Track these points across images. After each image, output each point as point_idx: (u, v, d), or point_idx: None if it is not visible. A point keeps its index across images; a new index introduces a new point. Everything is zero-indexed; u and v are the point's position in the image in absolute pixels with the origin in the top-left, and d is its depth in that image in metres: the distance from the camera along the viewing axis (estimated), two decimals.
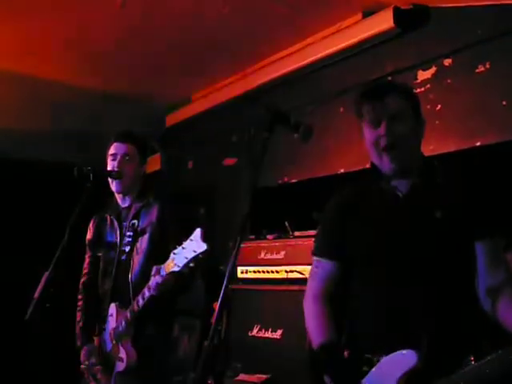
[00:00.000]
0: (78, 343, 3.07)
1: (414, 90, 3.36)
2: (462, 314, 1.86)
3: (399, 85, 2.09)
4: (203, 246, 2.41)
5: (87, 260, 3.26)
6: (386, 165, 1.94)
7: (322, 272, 2.12)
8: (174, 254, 2.55)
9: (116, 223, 3.10)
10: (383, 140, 1.90)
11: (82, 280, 3.25)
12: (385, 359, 1.80)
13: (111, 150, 3.05)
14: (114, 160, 3.02)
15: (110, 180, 3.04)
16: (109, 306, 3.00)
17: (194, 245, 2.45)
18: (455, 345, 1.80)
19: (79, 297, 3.22)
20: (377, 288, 1.95)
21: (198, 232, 2.45)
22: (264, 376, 3.45)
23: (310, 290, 2.16)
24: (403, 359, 1.75)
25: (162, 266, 2.64)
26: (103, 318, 3.03)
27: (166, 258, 2.78)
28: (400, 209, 1.95)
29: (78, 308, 3.19)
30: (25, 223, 5.32)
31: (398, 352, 1.76)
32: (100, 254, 3.15)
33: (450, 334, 1.81)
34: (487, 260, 1.87)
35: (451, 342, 1.79)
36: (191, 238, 2.47)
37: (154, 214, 3.01)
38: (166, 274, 2.63)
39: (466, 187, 1.95)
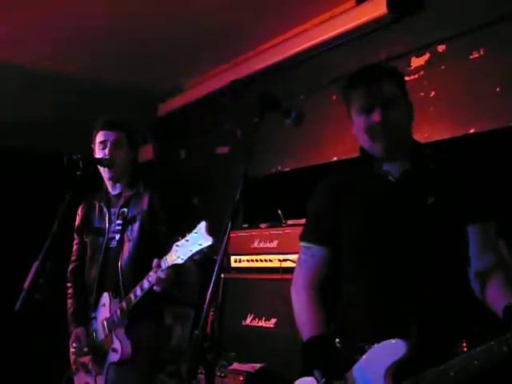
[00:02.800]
0: (70, 329, 3.06)
1: (408, 77, 3.38)
2: (455, 300, 1.85)
3: (390, 69, 2.06)
4: (209, 240, 2.38)
5: (75, 247, 3.24)
6: (378, 150, 1.92)
7: (313, 259, 2.08)
8: (177, 246, 2.52)
9: (105, 209, 3.08)
10: (378, 127, 1.87)
11: (71, 267, 3.24)
12: (374, 348, 1.80)
13: (100, 138, 3.02)
14: (104, 148, 3.00)
15: (100, 167, 3.03)
16: (96, 294, 2.98)
17: (198, 238, 2.42)
18: (446, 332, 1.79)
19: (68, 284, 3.21)
20: (369, 273, 1.93)
21: (202, 225, 2.42)
22: (258, 365, 3.45)
23: (300, 279, 2.13)
24: (393, 348, 1.74)
25: (164, 258, 2.61)
26: (92, 307, 3.02)
27: (156, 246, 2.76)
28: (392, 194, 1.93)
29: (69, 295, 3.18)
30: (14, 213, 5.29)
31: (388, 341, 1.76)
32: (87, 240, 3.13)
33: (442, 321, 1.79)
34: (478, 244, 1.86)
35: (442, 330, 1.79)
36: (195, 230, 2.44)
37: (144, 202, 3.00)
38: (167, 267, 2.60)
39: (458, 172, 1.93)
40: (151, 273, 2.67)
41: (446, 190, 1.88)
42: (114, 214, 3.05)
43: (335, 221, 2.02)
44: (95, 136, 3.05)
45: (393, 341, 1.74)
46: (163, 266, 2.61)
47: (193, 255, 2.46)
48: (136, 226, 2.97)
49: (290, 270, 3.44)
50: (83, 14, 3.64)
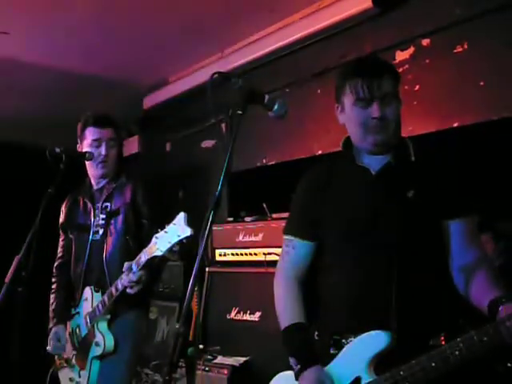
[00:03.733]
0: (50, 325, 3.05)
1: None
2: (434, 293, 1.85)
3: (390, 64, 2.03)
4: (187, 231, 2.37)
5: (61, 243, 3.23)
6: (369, 145, 1.91)
7: (294, 251, 2.08)
8: (157, 238, 2.51)
9: (89, 205, 3.06)
10: (375, 122, 1.85)
11: (57, 263, 3.23)
12: (354, 341, 1.80)
13: (93, 135, 2.99)
14: (98, 146, 2.97)
15: (88, 163, 3.01)
16: (82, 290, 2.97)
17: (177, 229, 2.41)
18: (425, 325, 1.79)
19: (53, 280, 3.19)
20: (348, 266, 1.93)
21: (181, 216, 2.41)
22: (242, 358, 3.46)
23: (281, 270, 2.14)
24: (374, 340, 1.75)
25: (143, 251, 2.60)
26: (77, 302, 3.01)
27: (141, 237, 2.74)
28: (373, 187, 1.92)
29: (52, 290, 3.17)
30: None
31: (368, 333, 1.76)
32: (72, 237, 3.11)
33: (420, 314, 1.79)
34: (461, 239, 1.86)
35: (421, 323, 1.79)
36: (174, 222, 2.43)
37: (127, 194, 2.98)
38: (147, 259, 2.60)
39: (439, 165, 1.93)
40: (123, 276, 2.67)
41: (427, 184, 1.87)
42: (98, 209, 3.04)
43: (317, 214, 2.02)
44: (84, 131, 3.02)
45: (373, 332, 1.74)
46: (134, 268, 2.61)
47: (172, 246, 2.45)
48: (120, 218, 2.95)
49: (274, 264, 3.38)
50: (68, 6, 3.60)
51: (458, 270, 1.85)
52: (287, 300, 2.06)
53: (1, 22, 3.76)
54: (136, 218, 2.94)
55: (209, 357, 3.59)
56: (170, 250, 2.48)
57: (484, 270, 1.81)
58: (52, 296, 3.14)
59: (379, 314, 1.79)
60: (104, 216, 3.00)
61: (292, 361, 1.89)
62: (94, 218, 3.03)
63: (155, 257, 2.55)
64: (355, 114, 1.91)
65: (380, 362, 1.73)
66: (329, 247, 2.01)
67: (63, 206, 3.21)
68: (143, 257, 2.59)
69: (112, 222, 2.96)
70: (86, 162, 3.02)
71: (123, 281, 2.67)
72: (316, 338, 1.98)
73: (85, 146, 3.01)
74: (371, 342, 1.75)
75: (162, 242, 2.48)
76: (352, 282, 1.90)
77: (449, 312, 1.86)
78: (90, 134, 3.00)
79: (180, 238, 2.40)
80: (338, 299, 1.94)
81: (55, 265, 3.22)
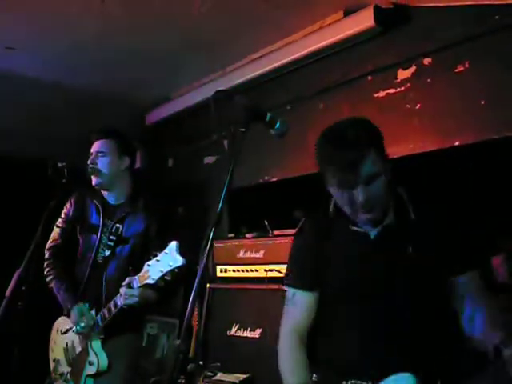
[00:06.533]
0: (69, 306, 2.96)
1: (394, 89, 3.41)
2: (439, 350, 1.84)
3: (368, 139, 1.86)
4: (179, 261, 2.39)
5: (58, 230, 3.16)
6: (361, 222, 1.92)
7: (297, 306, 2.05)
8: (149, 265, 2.53)
9: (101, 209, 3.05)
10: (360, 204, 1.83)
11: (50, 245, 3.15)
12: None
13: (91, 148, 3.08)
14: (90, 157, 3.03)
15: (91, 176, 3.05)
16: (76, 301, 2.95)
17: (169, 258, 2.43)
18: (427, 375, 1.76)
19: (48, 263, 3.12)
20: (349, 328, 1.92)
21: (173, 245, 2.43)
22: (243, 375, 3.43)
23: (285, 326, 2.08)
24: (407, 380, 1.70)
25: (135, 277, 2.61)
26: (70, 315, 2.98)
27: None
28: (372, 247, 1.93)
29: (51, 276, 3.09)
30: None
31: (400, 374, 1.71)
32: (80, 237, 3.09)
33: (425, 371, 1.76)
34: (469, 293, 1.87)
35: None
36: (166, 251, 2.45)
37: (140, 224, 2.99)
38: (139, 287, 2.61)
39: (438, 223, 1.93)
40: (123, 289, 2.67)
41: (426, 241, 1.88)
42: (108, 228, 3.02)
43: (319, 267, 2.00)
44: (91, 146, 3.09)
45: (405, 374, 1.70)
46: (135, 284, 2.62)
47: (164, 275, 2.47)
48: (127, 247, 2.96)
49: (275, 281, 3.44)
50: (72, 25, 3.63)
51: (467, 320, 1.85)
52: (291, 359, 2.00)
53: (6, 38, 3.79)
54: (144, 249, 2.94)
55: (209, 373, 3.56)
56: (162, 278, 2.50)
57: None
58: (54, 281, 3.06)
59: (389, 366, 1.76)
60: (113, 237, 2.99)
61: None
62: (103, 229, 3.01)
63: (146, 284, 2.56)
64: (341, 197, 1.89)
65: None
66: (329, 307, 1.99)
67: (71, 199, 3.16)
68: (134, 283, 2.61)
69: (119, 247, 2.96)
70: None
71: (123, 293, 2.67)
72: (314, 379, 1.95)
73: None
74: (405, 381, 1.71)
75: (154, 270, 2.50)
76: (354, 342, 1.88)
77: (447, 360, 1.85)
78: (91, 148, 3.06)
79: (172, 267, 2.43)
80: (340, 359, 1.91)
81: (48, 247, 3.15)
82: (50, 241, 3.16)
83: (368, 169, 1.80)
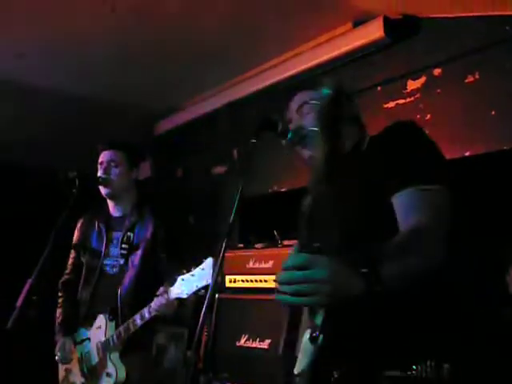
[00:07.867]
0: (57, 338, 3.06)
1: (404, 100, 3.40)
2: None
3: None
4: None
5: (71, 261, 3.25)
6: None
7: None
8: (183, 280, 2.52)
9: (104, 232, 3.07)
10: None
11: (63, 279, 3.25)
12: None
13: (99, 159, 3.09)
14: (101, 167, 3.04)
15: (100, 186, 3.05)
16: (87, 315, 2.96)
17: (205, 274, 2.42)
18: None
19: (59, 294, 3.22)
20: None
21: (209, 261, 2.43)
22: None
23: None
24: None
25: (170, 288, 2.61)
26: (84, 324, 2.99)
27: (156, 275, 2.75)
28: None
29: (58, 305, 3.19)
30: (8, 230, 5.23)
31: None
32: (83, 260, 3.12)
33: None
34: (402, 210, 1.70)
35: None
36: (202, 266, 2.45)
37: (148, 230, 3.00)
38: (172, 300, 2.61)
39: (384, 148, 1.84)
40: (156, 299, 2.66)
41: (374, 168, 1.81)
42: (118, 238, 3.05)
43: None
44: (98, 156, 3.12)
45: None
46: (171, 297, 2.61)
47: (198, 290, 2.47)
48: (138, 253, 2.96)
49: None
50: (80, 33, 3.66)
51: None
52: None
53: (17, 47, 3.83)
54: (154, 253, 2.95)
55: None
56: (196, 293, 2.49)
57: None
58: (58, 310, 3.16)
59: None
60: (126, 246, 3.00)
61: None
62: (107, 247, 3.04)
63: (178, 298, 2.56)
64: None
65: None
66: None
67: (78, 225, 3.23)
68: (170, 296, 2.60)
69: (132, 254, 2.97)
70: (100, 187, 3.07)
71: (154, 304, 2.67)
72: None
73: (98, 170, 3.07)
74: None
75: (189, 285, 2.49)
76: None
77: None
78: (100, 157, 3.07)
79: (208, 283, 2.41)
80: None
81: (61, 280, 3.25)
82: (65, 272, 3.28)
83: None
